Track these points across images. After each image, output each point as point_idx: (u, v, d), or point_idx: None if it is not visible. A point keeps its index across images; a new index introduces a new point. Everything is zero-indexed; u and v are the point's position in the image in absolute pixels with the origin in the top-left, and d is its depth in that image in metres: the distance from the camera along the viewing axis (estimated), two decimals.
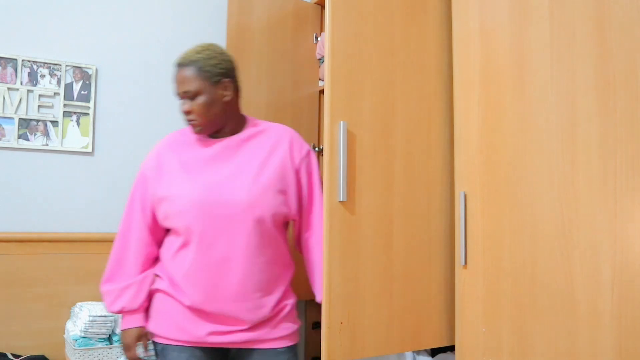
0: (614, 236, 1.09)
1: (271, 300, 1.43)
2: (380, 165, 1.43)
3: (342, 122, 1.34)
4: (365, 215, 1.39)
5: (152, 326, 1.45)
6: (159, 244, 1.51)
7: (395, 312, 1.42)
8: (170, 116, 2.22)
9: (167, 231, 1.50)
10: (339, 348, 1.31)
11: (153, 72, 2.22)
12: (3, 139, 1.99)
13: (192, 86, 1.41)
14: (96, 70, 2.13)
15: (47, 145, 2.05)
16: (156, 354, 1.45)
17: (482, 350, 1.36)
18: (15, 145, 1.99)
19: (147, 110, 2.21)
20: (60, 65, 2.07)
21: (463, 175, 1.46)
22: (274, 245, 1.45)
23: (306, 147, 1.55)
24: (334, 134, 1.35)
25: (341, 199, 1.33)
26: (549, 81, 1.24)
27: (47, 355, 1.85)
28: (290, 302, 1.50)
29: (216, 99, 1.44)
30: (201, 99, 1.42)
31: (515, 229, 1.30)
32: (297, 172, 1.49)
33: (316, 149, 2.42)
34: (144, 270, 1.47)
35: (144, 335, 1.44)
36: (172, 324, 1.41)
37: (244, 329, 1.39)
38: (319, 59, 2.45)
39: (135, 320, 1.44)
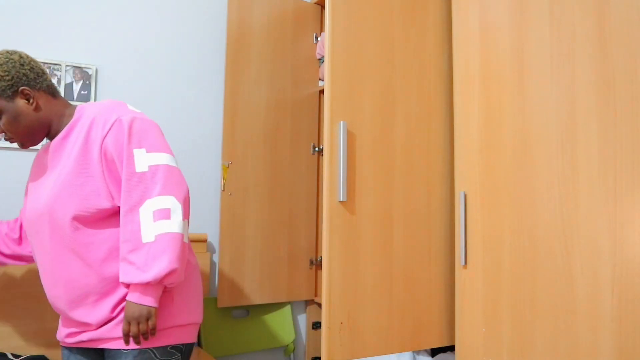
0: (614, 236, 1.09)
1: (110, 301, 1.32)
2: (380, 165, 1.43)
3: (342, 122, 1.34)
4: (365, 215, 1.39)
5: None
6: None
7: (395, 312, 1.43)
8: (170, 116, 2.22)
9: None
10: (339, 348, 1.31)
11: (153, 72, 2.22)
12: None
13: None
14: (96, 70, 2.13)
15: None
16: None
17: (482, 350, 1.36)
18: (15, 145, 1.99)
19: (147, 110, 2.21)
20: (60, 65, 2.07)
21: (463, 175, 1.46)
22: (100, 244, 1.33)
23: (112, 118, 1.31)
24: (334, 134, 1.35)
25: (341, 199, 1.33)
26: (549, 81, 1.24)
27: (47, 355, 1.85)
28: None
29: (21, 112, 1.32)
30: (5, 119, 1.31)
31: (515, 229, 1.30)
32: (103, 155, 1.29)
33: (316, 149, 2.42)
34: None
35: None
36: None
37: (91, 329, 1.36)
38: (319, 59, 2.46)
39: None
